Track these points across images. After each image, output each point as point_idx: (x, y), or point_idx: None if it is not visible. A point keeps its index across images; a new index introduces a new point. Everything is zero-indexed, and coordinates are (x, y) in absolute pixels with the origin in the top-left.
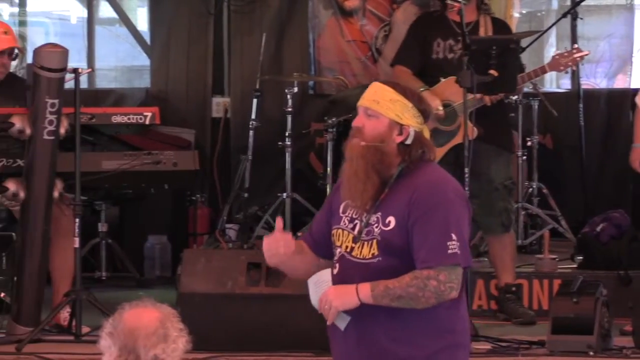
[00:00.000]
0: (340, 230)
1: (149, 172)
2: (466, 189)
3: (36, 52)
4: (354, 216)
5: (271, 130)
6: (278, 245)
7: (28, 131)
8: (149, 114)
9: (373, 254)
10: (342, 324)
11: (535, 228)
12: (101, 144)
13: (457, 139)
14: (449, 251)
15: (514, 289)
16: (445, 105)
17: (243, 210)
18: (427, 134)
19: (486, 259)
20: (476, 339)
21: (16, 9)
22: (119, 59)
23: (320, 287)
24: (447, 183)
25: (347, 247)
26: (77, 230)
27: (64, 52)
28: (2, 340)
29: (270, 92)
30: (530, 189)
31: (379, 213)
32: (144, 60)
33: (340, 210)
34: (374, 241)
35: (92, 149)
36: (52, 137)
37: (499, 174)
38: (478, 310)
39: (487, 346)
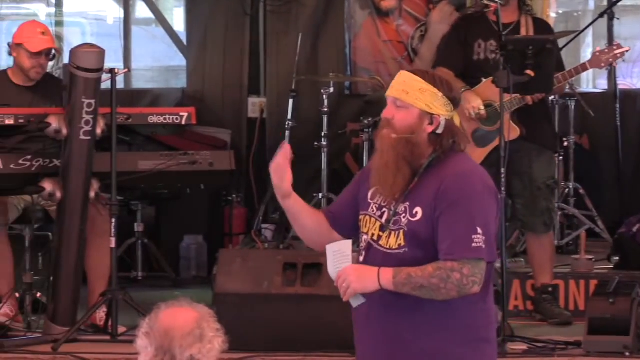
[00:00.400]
0: (368, 217)
1: (185, 172)
2: (503, 189)
3: (73, 52)
4: (382, 204)
5: (307, 131)
6: (279, 160)
7: (64, 131)
8: (185, 114)
9: (399, 245)
10: (356, 303)
11: (572, 228)
12: (137, 144)
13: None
14: (474, 245)
15: (550, 289)
16: (487, 106)
17: (279, 210)
18: (457, 122)
19: (522, 260)
20: (512, 340)
21: (53, 10)
22: (156, 59)
23: (340, 259)
24: (475, 175)
25: (373, 235)
26: (113, 230)
27: (101, 53)
28: (38, 340)
29: (306, 93)
30: (567, 190)
31: (407, 203)
32: (180, 60)
33: (369, 197)
34: (401, 232)
35: (129, 149)
36: (88, 137)
37: (541, 173)
38: (514, 310)
39: (523, 347)
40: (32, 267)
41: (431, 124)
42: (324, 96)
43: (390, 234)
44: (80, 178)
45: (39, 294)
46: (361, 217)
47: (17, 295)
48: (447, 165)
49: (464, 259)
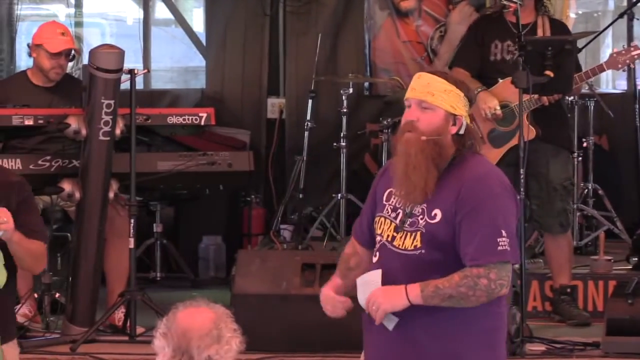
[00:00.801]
0: (382, 218)
1: (204, 172)
2: (522, 189)
3: (92, 53)
4: (397, 205)
5: (326, 131)
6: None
7: (84, 132)
8: (205, 115)
9: (415, 246)
10: (390, 324)
11: (591, 229)
12: (156, 144)
13: (516, 140)
14: (499, 248)
15: (569, 290)
16: (503, 106)
17: (298, 211)
18: (468, 121)
19: (541, 260)
20: (531, 341)
21: (72, 10)
22: (175, 60)
23: (369, 286)
24: (493, 176)
25: (388, 235)
26: (132, 230)
27: (120, 53)
28: (57, 340)
29: (326, 93)
30: (586, 190)
31: (425, 204)
32: (199, 61)
33: (384, 198)
34: (418, 233)
35: (148, 150)
36: (107, 138)
37: (558, 174)
38: (533, 311)
39: (541, 347)
40: (51, 267)
41: (454, 124)
42: (343, 97)
43: (405, 234)
44: (99, 178)
45: (57, 295)
46: (376, 218)
47: (36, 295)
48: (465, 168)
49: (489, 264)
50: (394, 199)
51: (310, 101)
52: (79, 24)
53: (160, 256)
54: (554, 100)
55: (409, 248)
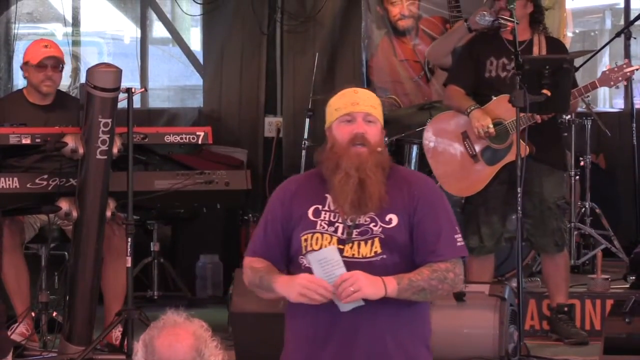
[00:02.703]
0: (318, 234)
1: (201, 191)
2: (519, 208)
3: (89, 71)
4: (332, 219)
5: None
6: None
7: (81, 151)
8: (202, 134)
9: (376, 252)
10: (350, 306)
11: (588, 248)
12: (154, 163)
13: (509, 157)
14: (458, 244)
15: (566, 309)
16: (496, 124)
17: None
18: None
19: (538, 279)
20: (528, 359)
21: (70, 29)
22: (172, 79)
23: (330, 265)
24: (430, 180)
25: None
26: (129, 249)
27: (118, 72)
28: (54, 359)
29: (323, 112)
30: (583, 209)
31: (371, 213)
32: (196, 80)
33: (311, 215)
34: (376, 239)
35: (145, 169)
36: (105, 157)
37: (552, 192)
38: (530, 330)
39: None
40: (48, 286)
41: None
42: None
43: (358, 244)
44: (96, 197)
45: (54, 313)
46: (306, 236)
47: (33, 314)
48: (401, 174)
49: (452, 259)
50: (327, 214)
51: (307, 120)
52: (76, 43)
53: (158, 275)
54: (547, 118)
55: (369, 255)
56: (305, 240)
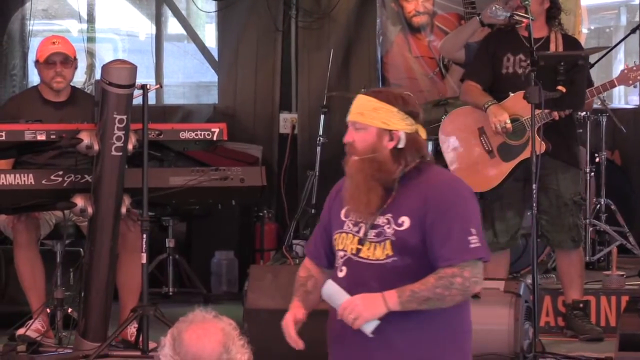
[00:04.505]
0: (344, 234)
1: (216, 188)
2: (534, 205)
3: (104, 68)
4: (358, 220)
5: (338, 146)
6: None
7: (96, 147)
8: (217, 130)
9: (387, 255)
10: (369, 327)
11: (603, 244)
12: (169, 160)
13: (526, 154)
14: (471, 246)
15: (581, 305)
16: (513, 120)
17: (310, 226)
18: (423, 134)
19: (553, 276)
20: (543, 356)
21: (85, 26)
22: (187, 75)
23: (335, 298)
24: (460, 182)
25: (352, 249)
26: (144, 246)
27: (133, 69)
28: (69, 355)
29: (338, 108)
30: (598, 205)
31: (389, 215)
32: (211, 76)
33: (342, 215)
34: (388, 242)
35: (160, 165)
36: (120, 153)
37: (568, 189)
38: (545, 327)
39: None
40: (63, 282)
41: (391, 139)
42: None
43: (373, 246)
44: (111, 194)
45: (70, 310)
46: (336, 235)
47: (48, 310)
48: (426, 176)
49: (462, 263)
50: (354, 214)
51: (322, 116)
52: (91, 40)
53: (173, 271)
54: (565, 115)
55: (381, 258)
56: (335, 239)
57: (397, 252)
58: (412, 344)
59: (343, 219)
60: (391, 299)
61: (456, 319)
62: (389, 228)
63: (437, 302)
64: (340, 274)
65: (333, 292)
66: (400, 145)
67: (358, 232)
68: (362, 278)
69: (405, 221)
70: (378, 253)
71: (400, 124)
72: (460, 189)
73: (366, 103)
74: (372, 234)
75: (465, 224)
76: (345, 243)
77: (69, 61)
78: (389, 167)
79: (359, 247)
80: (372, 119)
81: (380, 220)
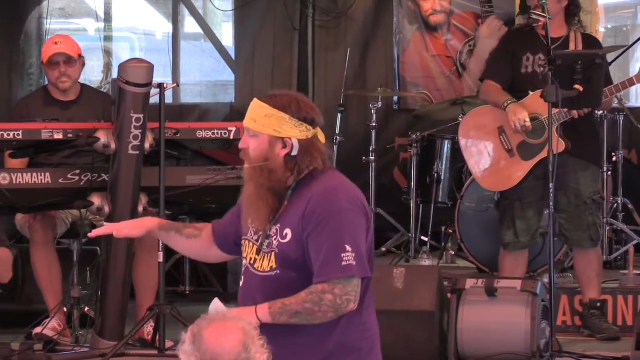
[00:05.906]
0: (247, 242)
1: (233, 187)
2: (551, 203)
3: (121, 67)
4: (258, 228)
5: (355, 145)
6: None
7: (113, 146)
8: (234, 129)
9: (271, 267)
10: None
11: (620, 244)
12: (186, 158)
13: (545, 152)
14: (343, 263)
15: (598, 304)
16: (533, 119)
17: None
18: (322, 138)
19: (570, 275)
20: (560, 355)
21: (102, 25)
22: (204, 74)
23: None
24: (340, 191)
25: (251, 259)
26: (161, 245)
27: (150, 67)
28: (86, 354)
29: (355, 107)
30: (615, 205)
31: (278, 225)
32: (228, 75)
33: (249, 221)
34: (273, 254)
35: (177, 164)
36: (137, 152)
37: (587, 188)
38: (562, 326)
39: None
40: (80, 281)
41: (284, 147)
42: (372, 111)
43: (264, 256)
44: (128, 192)
45: (86, 309)
46: (243, 241)
47: (65, 309)
48: (314, 184)
49: (334, 280)
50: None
51: (339, 115)
52: (108, 39)
53: (189, 270)
54: (584, 113)
55: (267, 270)
56: (242, 245)
57: (279, 265)
58: (305, 358)
59: (249, 225)
60: (262, 310)
61: (347, 329)
62: (275, 240)
63: (308, 317)
64: (241, 283)
65: (214, 309)
66: (294, 153)
67: (257, 241)
68: (250, 290)
69: (288, 233)
70: (265, 265)
71: (293, 131)
72: (338, 201)
73: (259, 109)
74: (265, 244)
75: (339, 240)
76: (247, 251)
77: (72, 61)
78: (280, 176)
79: (256, 257)
80: (263, 126)
81: (272, 230)
